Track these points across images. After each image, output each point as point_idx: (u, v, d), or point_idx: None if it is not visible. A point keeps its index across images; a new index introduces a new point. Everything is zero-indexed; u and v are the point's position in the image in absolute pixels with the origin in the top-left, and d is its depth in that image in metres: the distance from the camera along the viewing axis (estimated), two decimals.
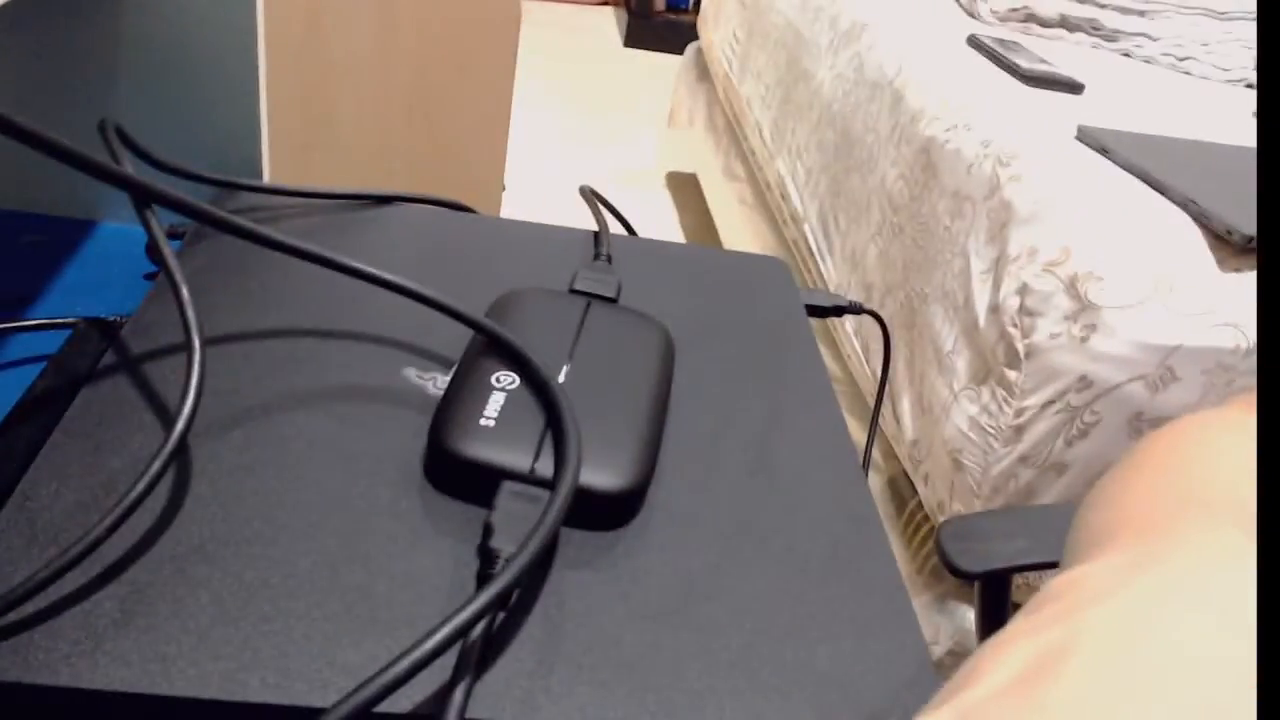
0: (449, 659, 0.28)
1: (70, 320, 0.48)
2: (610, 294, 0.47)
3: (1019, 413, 0.98)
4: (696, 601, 0.33)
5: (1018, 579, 0.90)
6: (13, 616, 0.28)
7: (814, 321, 0.52)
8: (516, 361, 0.39)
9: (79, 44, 0.54)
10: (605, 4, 3.81)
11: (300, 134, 1.13)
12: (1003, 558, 0.69)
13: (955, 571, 0.69)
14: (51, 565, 0.28)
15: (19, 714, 0.28)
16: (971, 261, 1.06)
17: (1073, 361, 0.95)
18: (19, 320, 0.49)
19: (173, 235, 0.49)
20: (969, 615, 1.09)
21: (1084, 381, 0.95)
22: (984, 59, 1.34)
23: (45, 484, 0.32)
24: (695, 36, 2.33)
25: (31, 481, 0.32)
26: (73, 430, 0.34)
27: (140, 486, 0.30)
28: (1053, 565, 0.73)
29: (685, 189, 2.44)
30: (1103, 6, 1.54)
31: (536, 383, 0.38)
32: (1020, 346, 0.96)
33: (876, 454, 1.26)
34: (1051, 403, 0.97)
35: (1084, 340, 0.94)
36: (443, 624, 0.26)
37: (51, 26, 0.54)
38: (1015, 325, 0.97)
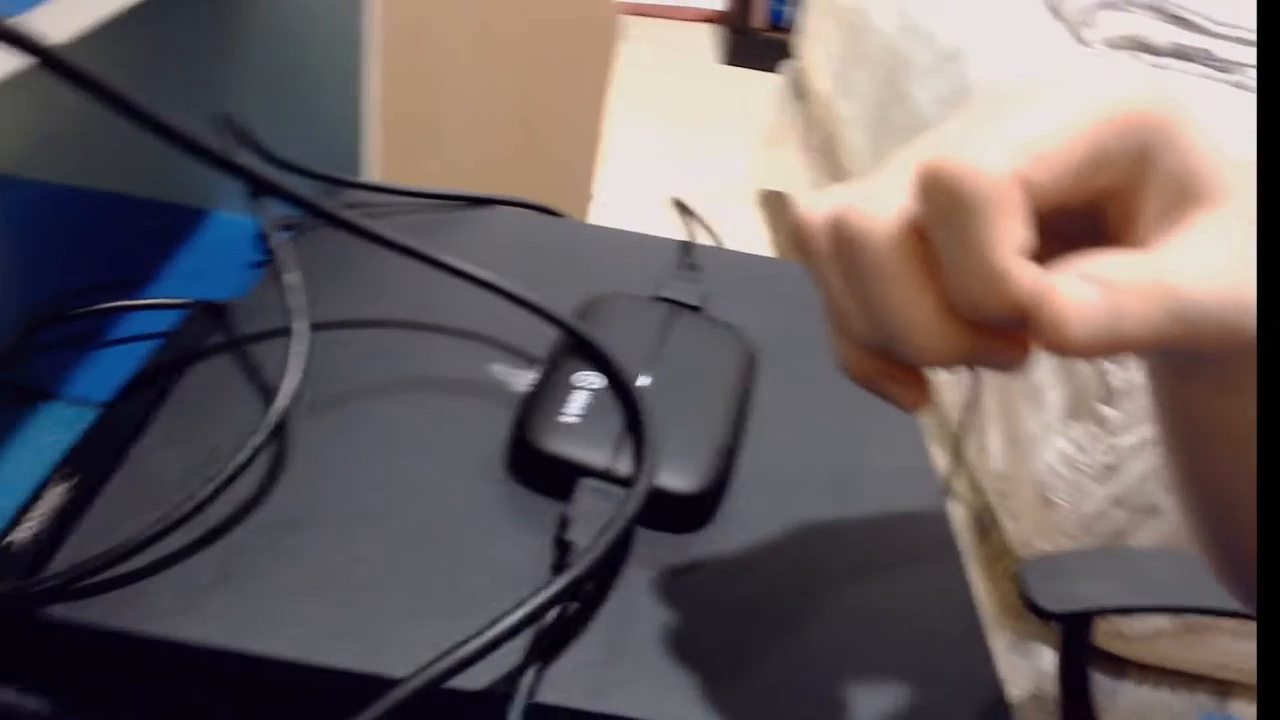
0: (521, 642, 0.29)
1: (184, 301, 0.50)
2: (695, 302, 0.48)
3: (1114, 451, 0.95)
4: (767, 608, 0.33)
5: (1102, 623, 0.87)
6: (120, 569, 0.30)
7: None
8: (600, 363, 0.39)
9: (201, 42, 0.57)
10: (705, 21, 3.83)
11: (403, 136, 1.17)
12: (1088, 600, 0.67)
13: (1036, 610, 0.66)
14: (157, 524, 0.30)
15: (118, 659, 0.30)
16: None
17: None
18: (138, 300, 0.52)
19: (281, 227, 0.52)
20: (1049, 658, 1.06)
21: None
22: None
23: (155, 450, 0.34)
24: (793, 55, 2.33)
25: (143, 447, 0.34)
26: (183, 403, 0.36)
27: (241, 457, 0.32)
28: (1141, 610, 0.70)
29: (777, 208, 2.44)
30: (1216, 36, 1.49)
31: (619, 384, 0.38)
32: (1118, 382, 0.93)
33: (960, 487, 1.23)
34: (1149, 442, 0.93)
35: None
36: (517, 606, 0.27)
37: (177, 24, 0.57)
38: (1113, 360, 0.94)
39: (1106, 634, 1.01)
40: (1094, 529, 0.98)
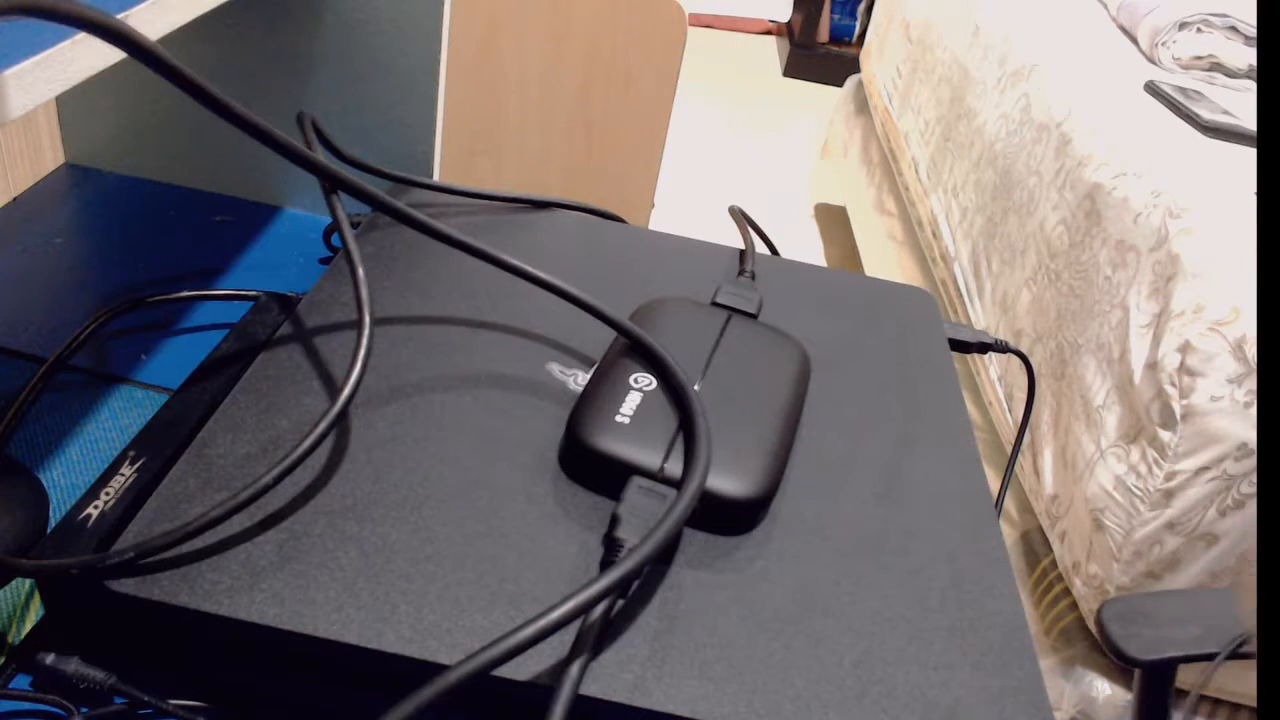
0: (568, 636, 0.29)
1: (253, 293, 0.52)
2: (751, 310, 0.48)
3: (1170, 476, 0.93)
4: (812, 613, 0.33)
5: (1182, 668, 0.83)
6: (185, 548, 0.31)
7: (956, 363, 0.51)
8: (655, 365, 0.40)
9: (281, 43, 0.59)
10: (768, 33, 3.83)
11: (469, 140, 1.18)
12: (1175, 646, 0.62)
13: (1123, 658, 0.62)
14: (222, 506, 0.31)
15: (178, 634, 0.31)
16: (1131, 314, 1.02)
17: (1234, 427, 0.89)
18: (209, 290, 0.53)
19: (350, 224, 0.53)
20: (1097, 683, 1.04)
21: (1245, 449, 0.89)
22: (1161, 106, 1.29)
23: (222, 435, 0.35)
24: (855, 69, 2.32)
25: (210, 432, 0.35)
26: (249, 390, 0.38)
27: (304, 445, 0.33)
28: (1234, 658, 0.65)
29: (833, 222, 2.43)
30: None
31: (673, 386, 0.39)
32: (1177, 407, 0.92)
33: (1011, 508, 1.21)
34: (1206, 469, 0.91)
35: (1249, 406, 0.89)
36: (566, 599, 0.28)
37: (258, 25, 0.59)
38: (1174, 384, 0.92)
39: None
40: (1146, 554, 0.96)
